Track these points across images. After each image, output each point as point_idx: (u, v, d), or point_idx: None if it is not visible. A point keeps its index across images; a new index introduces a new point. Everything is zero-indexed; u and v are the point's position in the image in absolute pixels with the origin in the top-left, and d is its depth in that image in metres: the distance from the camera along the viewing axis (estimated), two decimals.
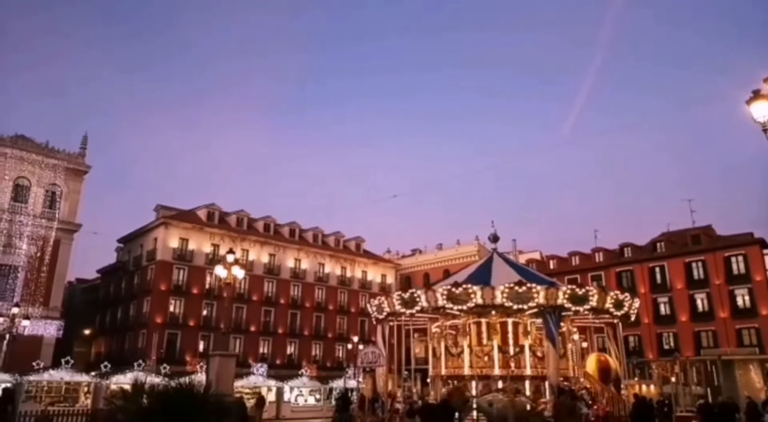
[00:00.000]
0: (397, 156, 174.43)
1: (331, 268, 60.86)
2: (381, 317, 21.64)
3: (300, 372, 42.54)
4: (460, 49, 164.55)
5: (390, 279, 65.87)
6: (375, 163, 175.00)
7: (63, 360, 32.08)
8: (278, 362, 51.22)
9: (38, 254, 41.83)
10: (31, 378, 30.26)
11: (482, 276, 20.59)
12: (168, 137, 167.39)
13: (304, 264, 58.67)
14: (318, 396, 41.53)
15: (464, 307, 18.76)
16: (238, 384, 32.51)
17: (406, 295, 19.95)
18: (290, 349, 55.07)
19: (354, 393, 28.93)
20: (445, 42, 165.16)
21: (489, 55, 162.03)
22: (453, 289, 18.68)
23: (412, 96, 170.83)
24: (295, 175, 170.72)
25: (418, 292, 19.65)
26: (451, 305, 18.77)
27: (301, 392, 41.02)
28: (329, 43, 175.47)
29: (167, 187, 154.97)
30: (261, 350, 52.49)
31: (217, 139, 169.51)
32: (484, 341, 20.82)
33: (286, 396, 39.70)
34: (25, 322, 34.11)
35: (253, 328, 52.42)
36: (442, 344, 21.44)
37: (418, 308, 19.73)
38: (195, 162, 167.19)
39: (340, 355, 56.82)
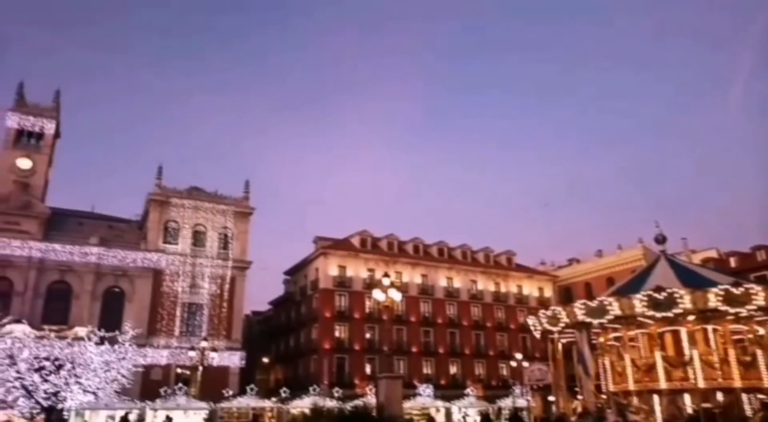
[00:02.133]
0: (540, 164, 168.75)
1: (484, 285, 60.06)
2: (600, 322, 19.66)
3: (465, 392, 42.12)
4: (606, 41, 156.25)
5: (548, 292, 63.30)
6: (519, 173, 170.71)
7: (248, 388, 34.97)
8: (442, 382, 51.19)
9: (218, 291, 46.45)
10: (223, 405, 33.29)
11: (694, 279, 18.89)
12: (315, 170, 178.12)
13: (457, 283, 58.54)
14: None
15: (742, 310, 17.30)
16: (407, 405, 32.96)
17: (661, 296, 17.65)
18: (453, 369, 54.87)
19: (524, 412, 27.99)
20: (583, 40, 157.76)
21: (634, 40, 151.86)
22: (732, 289, 17.21)
23: (551, 98, 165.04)
24: (438, 194, 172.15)
25: (681, 292, 17.64)
26: (726, 307, 17.24)
27: (467, 412, 40.54)
28: (463, 57, 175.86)
29: (320, 217, 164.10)
30: (424, 371, 52.93)
31: (361, 166, 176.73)
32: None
33: (455, 417, 39.44)
34: (213, 354, 37.74)
35: (414, 349, 53.16)
36: (658, 354, 19.47)
37: (678, 311, 17.52)
38: (342, 190, 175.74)
39: (505, 373, 55.48)
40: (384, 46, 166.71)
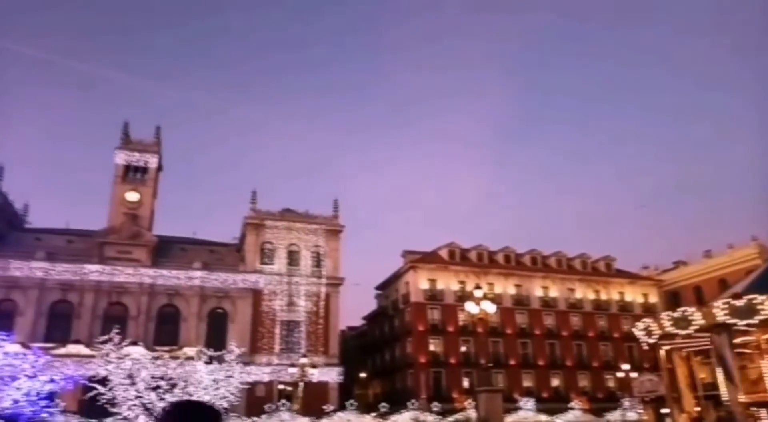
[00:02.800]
0: (637, 163, 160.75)
1: (583, 293, 57.71)
2: (748, 323, 17.25)
3: (569, 406, 40.41)
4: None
5: (653, 298, 59.79)
6: (614, 174, 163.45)
7: (347, 403, 35.42)
8: (544, 395, 49.42)
9: (314, 308, 47.69)
10: (324, 420, 33.90)
11: None
12: (401, 184, 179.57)
13: (553, 292, 56.65)
14: None
15: None
16: (508, 419, 32.09)
17: None
18: (555, 381, 52.96)
19: None
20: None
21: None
22: None
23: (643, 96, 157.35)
24: (527, 201, 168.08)
25: None
26: None
27: None
28: (536, 60, 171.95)
29: (408, 230, 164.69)
30: (524, 384, 51.44)
31: (445, 177, 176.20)
32: None
33: None
34: (313, 370, 38.68)
35: (512, 362, 51.84)
36: None
37: None
38: (428, 202, 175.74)
39: (611, 385, 52.79)
40: (463, 56, 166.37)
